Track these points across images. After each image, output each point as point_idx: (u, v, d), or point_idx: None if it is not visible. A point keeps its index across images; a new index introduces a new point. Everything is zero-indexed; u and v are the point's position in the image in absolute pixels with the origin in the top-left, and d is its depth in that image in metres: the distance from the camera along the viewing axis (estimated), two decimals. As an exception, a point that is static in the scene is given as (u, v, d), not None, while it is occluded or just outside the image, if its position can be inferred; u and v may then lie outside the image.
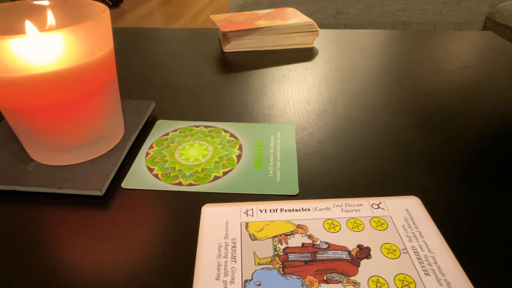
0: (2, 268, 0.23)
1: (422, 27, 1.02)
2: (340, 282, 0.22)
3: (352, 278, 0.22)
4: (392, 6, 1.01)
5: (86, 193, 0.27)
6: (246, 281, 0.22)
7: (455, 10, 1.01)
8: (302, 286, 0.21)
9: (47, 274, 0.22)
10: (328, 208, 0.27)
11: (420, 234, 0.25)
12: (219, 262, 0.23)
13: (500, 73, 0.47)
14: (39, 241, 0.25)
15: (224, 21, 0.56)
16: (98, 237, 0.25)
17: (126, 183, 0.29)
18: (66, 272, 0.23)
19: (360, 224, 0.25)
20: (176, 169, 0.30)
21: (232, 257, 0.23)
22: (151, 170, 0.30)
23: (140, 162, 0.31)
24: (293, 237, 0.25)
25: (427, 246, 0.24)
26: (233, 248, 0.24)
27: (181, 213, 0.27)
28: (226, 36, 0.55)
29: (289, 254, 0.23)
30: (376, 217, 0.26)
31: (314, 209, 0.27)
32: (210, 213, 0.27)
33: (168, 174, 0.30)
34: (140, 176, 0.30)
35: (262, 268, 0.23)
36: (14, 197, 0.28)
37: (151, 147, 0.33)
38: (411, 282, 0.22)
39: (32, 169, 0.29)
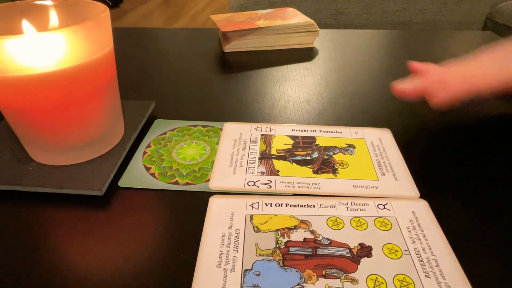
0: (2, 268, 0.23)
1: (422, 27, 1.02)
2: (339, 278, 0.22)
3: (350, 275, 0.22)
4: (392, 6, 1.01)
5: (86, 193, 0.27)
6: (246, 270, 0.22)
7: (455, 10, 1.01)
8: (300, 279, 0.22)
9: (47, 274, 0.22)
10: (333, 206, 0.27)
11: (424, 236, 0.24)
12: (222, 251, 0.23)
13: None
14: (39, 241, 0.25)
15: (224, 21, 0.56)
16: (98, 237, 0.25)
17: (123, 182, 0.29)
18: (66, 272, 0.23)
19: (364, 223, 0.25)
20: (173, 168, 0.31)
21: (235, 247, 0.24)
22: (148, 169, 0.30)
23: (137, 161, 0.31)
24: (296, 231, 0.25)
25: (430, 248, 0.24)
26: (236, 238, 0.24)
27: (178, 212, 0.27)
28: (226, 36, 0.55)
29: (290, 248, 0.24)
30: (381, 217, 0.26)
31: (319, 206, 0.27)
32: (217, 204, 0.27)
33: (165, 173, 0.30)
34: (137, 175, 0.30)
35: (263, 259, 0.23)
36: (14, 197, 0.28)
37: (148, 146, 0.33)
38: (410, 283, 0.22)
39: (32, 169, 0.29)
